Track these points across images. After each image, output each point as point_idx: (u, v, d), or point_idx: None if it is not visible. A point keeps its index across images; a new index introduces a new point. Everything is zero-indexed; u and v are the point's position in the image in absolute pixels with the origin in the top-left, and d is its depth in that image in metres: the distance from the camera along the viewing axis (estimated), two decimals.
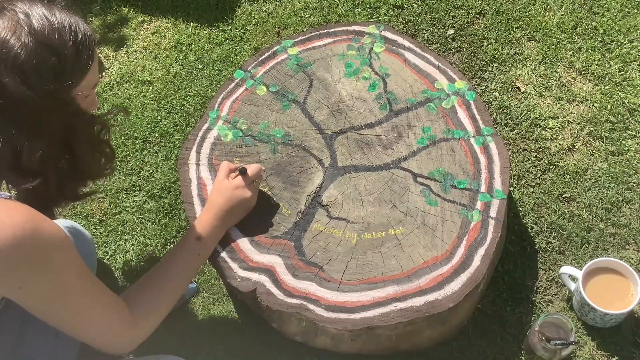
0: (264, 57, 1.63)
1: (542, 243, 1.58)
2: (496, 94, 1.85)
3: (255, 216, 1.35)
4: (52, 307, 0.96)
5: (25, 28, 0.89)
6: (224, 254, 1.32)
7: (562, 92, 1.83)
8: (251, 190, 1.31)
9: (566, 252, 1.56)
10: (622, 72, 1.84)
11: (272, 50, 1.64)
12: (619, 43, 1.90)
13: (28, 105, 0.90)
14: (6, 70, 0.87)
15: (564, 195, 1.64)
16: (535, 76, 1.87)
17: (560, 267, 1.49)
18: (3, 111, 0.89)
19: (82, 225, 1.50)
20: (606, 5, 1.98)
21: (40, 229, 0.89)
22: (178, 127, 1.90)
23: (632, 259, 1.53)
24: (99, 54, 2.14)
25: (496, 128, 1.76)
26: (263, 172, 1.36)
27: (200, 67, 2.04)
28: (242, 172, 1.30)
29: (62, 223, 1.48)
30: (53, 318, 0.98)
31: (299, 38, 1.65)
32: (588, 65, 1.86)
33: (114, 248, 1.69)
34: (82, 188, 1.10)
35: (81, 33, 0.96)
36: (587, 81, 1.84)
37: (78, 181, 1.08)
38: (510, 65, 1.90)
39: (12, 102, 0.89)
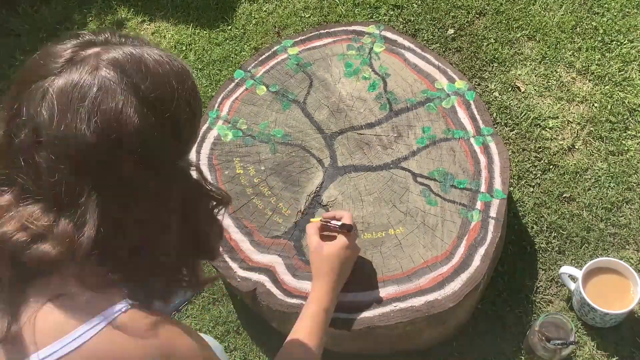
0: (264, 57, 1.63)
1: (542, 243, 1.58)
2: (496, 93, 1.85)
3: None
4: None
5: (133, 95, 0.68)
6: (224, 254, 1.32)
7: (562, 92, 1.82)
8: (355, 242, 1.22)
9: (566, 252, 1.56)
10: (622, 72, 1.84)
11: (272, 50, 1.64)
12: (619, 43, 1.90)
13: (149, 188, 0.71)
14: (123, 155, 0.68)
15: (564, 195, 1.64)
16: (535, 76, 1.87)
17: (560, 267, 1.48)
18: (123, 201, 0.70)
19: None
20: (606, 5, 1.98)
21: (174, 346, 0.75)
22: None
23: (632, 259, 1.53)
24: None
25: (496, 128, 1.76)
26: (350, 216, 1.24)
27: (200, 67, 2.04)
28: (349, 229, 1.18)
29: None
30: None
31: (299, 38, 1.65)
32: (588, 65, 1.86)
33: None
34: (200, 273, 0.89)
35: (190, 81, 0.76)
36: (587, 81, 1.84)
37: (193, 262, 0.87)
38: (510, 65, 1.90)
39: (133, 189, 0.70)
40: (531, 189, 1.66)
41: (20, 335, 0.68)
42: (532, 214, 1.62)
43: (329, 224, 1.20)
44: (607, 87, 1.81)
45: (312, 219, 1.27)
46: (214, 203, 0.86)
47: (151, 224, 0.74)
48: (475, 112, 1.46)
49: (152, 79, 0.70)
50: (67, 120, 0.66)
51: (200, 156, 1.46)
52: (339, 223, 1.19)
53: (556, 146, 1.73)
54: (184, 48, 2.09)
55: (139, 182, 0.70)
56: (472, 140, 1.42)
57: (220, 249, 1.30)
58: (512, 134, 1.76)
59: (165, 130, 0.71)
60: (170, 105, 0.71)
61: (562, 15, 1.97)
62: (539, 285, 1.52)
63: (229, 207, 0.93)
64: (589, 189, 1.64)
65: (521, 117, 1.79)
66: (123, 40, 0.74)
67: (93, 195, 0.68)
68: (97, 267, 0.72)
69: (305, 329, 1.12)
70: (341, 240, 1.19)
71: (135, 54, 0.71)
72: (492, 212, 1.33)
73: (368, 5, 2.09)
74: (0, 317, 0.68)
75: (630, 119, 1.75)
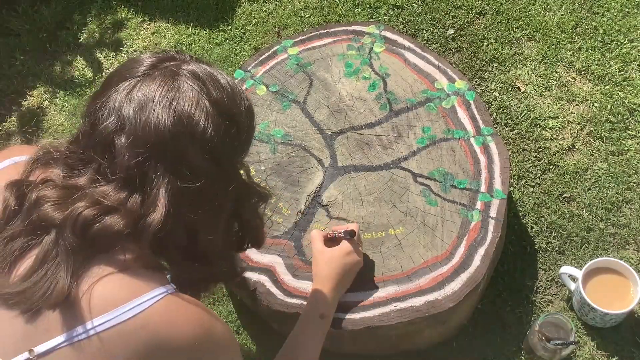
0: (264, 57, 1.63)
1: (542, 243, 1.58)
2: (496, 93, 1.85)
3: None
4: None
5: (206, 98, 0.80)
6: None
7: (562, 92, 1.82)
8: (359, 251, 1.23)
9: (566, 252, 1.56)
10: (622, 72, 1.84)
11: (272, 50, 1.64)
12: (619, 43, 1.90)
13: (212, 181, 0.81)
14: (194, 147, 0.78)
15: (564, 195, 1.64)
16: (535, 76, 1.87)
17: (560, 267, 1.49)
18: (188, 191, 0.79)
19: None
20: (606, 5, 1.98)
21: (214, 328, 0.84)
22: None
23: (632, 259, 1.53)
24: (99, 55, 2.14)
25: (496, 128, 1.76)
26: (358, 227, 1.27)
27: None
28: (352, 235, 1.20)
29: None
30: None
31: (299, 38, 1.65)
32: (588, 65, 1.86)
33: None
34: (237, 265, 1.00)
35: (248, 99, 0.88)
36: (587, 81, 1.84)
37: (234, 256, 0.99)
38: (510, 65, 1.90)
39: (198, 180, 0.79)
40: (531, 189, 1.66)
41: (78, 301, 0.74)
42: (532, 214, 1.62)
43: (334, 233, 1.22)
44: (607, 87, 1.81)
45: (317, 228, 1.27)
46: (257, 198, 0.96)
47: (207, 213, 0.83)
48: (475, 112, 1.46)
49: (222, 90, 0.83)
50: (150, 111, 0.77)
51: None
52: (343, 231, 1.20)
53: (556, 146, 1.73)
54: (184, 48, 2.09)
55: (204, 171, 0.80)
56: (472, 140, 1.42)
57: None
58: (512, 134, 1.76)
59: (228, 131, 0.82)
60: (234, 112, 0.83)
61: (562, 15, 1.97)
62: (539, 285, 1.52)
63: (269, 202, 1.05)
64: (589, 189, 1.64)
65: (521, 117, 1.79)
66: (199, 60, 0.86)
67: (165, 179, 0.77)
68: (150, 250, 0.80)
69: (302, 334, 1.14)
70: (344, 245, 1.20)
71: (210, 69, 0.84)
72: (492, 212, 1.33)
73: (368, 5, 2.09)
74: (63, 279, 0.74)
75: (630, 119, 1.75)
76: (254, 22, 2.12)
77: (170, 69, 0.81)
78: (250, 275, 1.29)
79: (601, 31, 1.92)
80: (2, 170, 0.88)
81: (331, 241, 1.23)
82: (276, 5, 2.16)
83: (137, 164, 0.77)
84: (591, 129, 1.75)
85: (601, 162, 1.69)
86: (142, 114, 0.77)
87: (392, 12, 2.06)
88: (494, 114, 1.80)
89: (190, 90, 0.79)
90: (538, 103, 1.81)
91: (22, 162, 0.87)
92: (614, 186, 1.64)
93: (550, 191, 1.65)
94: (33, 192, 0.79)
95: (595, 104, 1.79)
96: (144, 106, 0.77)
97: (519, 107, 1.81)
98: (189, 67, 0.82)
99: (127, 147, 0.77)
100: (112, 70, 0.84)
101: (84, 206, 0.76)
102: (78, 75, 2.09)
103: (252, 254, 1.32)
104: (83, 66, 2.11)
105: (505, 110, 1.81)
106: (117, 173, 0.77)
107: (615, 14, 1.96)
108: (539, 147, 1.73)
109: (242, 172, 0.92)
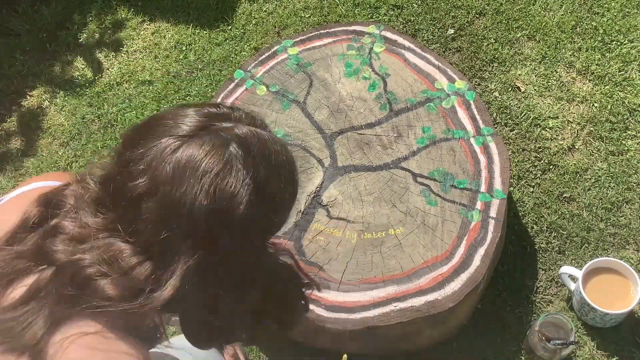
0: (264, 57, 1.63)
1: (542, 243, 1.58)
2: (496, 93, 1.85)
3: None
4: None
5: (252, 180, 0.71)
6: None
7: (562, 92, 1.82)
8: None
9: (566, 252, 1.56)
10: (622, 72, 1.84)
11: (272, 50, 1.64)
12: (619, 43, 1.90)
13: (240, 258, 0.75)
14: (227, 228, 0.71)
15: (564, 195, 1.64)
16: (535, 76, 1.87)
17: (560, 267, 1.49)
18: (213, 267, 0.73)
19: None
20: (606, 5, 1.98)
21: None
22: None
23: (632, 259, 1.53)
24: (99, 55, 2.14)
25: (496, 128, 1.76)
26: None
27: (200, 67, 2.04)
28: None
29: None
30: None
31: (299, 38, 1.65)
32: (588, 65, 1.86)
33: None
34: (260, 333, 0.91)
35: (296, 172, 0.80)
36: (587, 81, 1.84)
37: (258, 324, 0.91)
38: (510, 65, 1.90)
39: (226, 257, 0.73)
40: (531, 189, 1.66)
41: (45, 357, 0.69)
42: (532, 214, 1.62)
43: None
44: (607, 87, 1.81)
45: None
46: (301, 285, 0.88)
47: (231, 287, 0.76)
48: (475, 112, 1.46)
49: (270, 166, 0.74)
50: (189, 183, 0.69)
51: None
52: None
53: (556, 146, 1.73)
54: (184, 48, 2.09)
55: (233, 249, 0.73)
56: (472, 140, 1.42)
57: None
58: (512, 134, 1.76)
59: (267, 213, 0.74)
60: (276, 191, 0.75)
61: (562, 15, 1.97)
62: (539, 285, 1.52)
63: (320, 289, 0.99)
64: (589, 189, 1.64)
65: (521, 117, 1.79)
66: (252, 120, 0.77)
67: (187, 256, 0.70)
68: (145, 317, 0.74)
69: None
70: None
71: (261, 138, 0.74)
72: (492, 212, 1.33)
73: (368, 5, 2.09)
74: (40, 324, 0.70)
75: (630, 119, 1.75)
76: (254, 22, 2.12)
77: (221, 136, 0.72)
78: None
79: (601, 31, 1.92)
80: (26, 193, 0.85)
81: None
82: (276, 5, 2.16)
83: (160, 234, 0.70)
84: (591, 129, 1.75)
85: (601, 162, 1.69)
86: (180, 184, 0.69)
87: (392, 12, 2.06)
88: (494, 114, 1.80)
89: (238, 169, 0.70)
90: (538, 103, 1.81)
91: (45, 187, 0.83)
92: (614, 186, 1.64)
93: (550, 191, 1.65)
94: (55, 218, 0.75)
95: (595, 104, 1.79)
96: (183, 176, 0.69)
97: (519, 107, 1.81)
98: (241, 132, 0.73)
99: (153, 218, 0.70)
100: (157, 114, 0.77)
101: (90, 262, 0.71)
102: (78, 75, 2.09)
103: None
104: (83, 66, 2.11)
105: (505, 110, 1.81)
106: (138, 238, 0.71)
107: (615, 14, 1.96)
108: (539, 147, 1.73)
109: (289, 260, 0.86)
